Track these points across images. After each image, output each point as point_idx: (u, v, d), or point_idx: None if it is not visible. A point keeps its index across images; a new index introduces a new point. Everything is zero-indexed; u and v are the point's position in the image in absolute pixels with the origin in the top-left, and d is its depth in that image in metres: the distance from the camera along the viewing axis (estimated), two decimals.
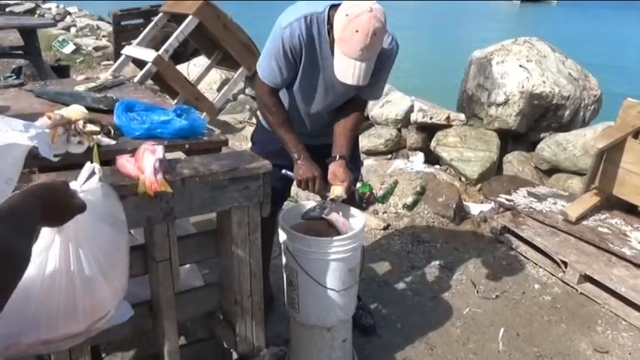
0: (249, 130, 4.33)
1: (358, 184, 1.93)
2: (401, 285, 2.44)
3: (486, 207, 3.27)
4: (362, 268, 1.79)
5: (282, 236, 1.67)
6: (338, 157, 1.65)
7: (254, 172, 1.31)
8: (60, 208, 0.75)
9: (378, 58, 1.54)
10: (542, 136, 3.82)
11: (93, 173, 0.99)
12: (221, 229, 1.40)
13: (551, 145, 3.60)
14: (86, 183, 0.98)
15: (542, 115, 3.81)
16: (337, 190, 1.62)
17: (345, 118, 1.72)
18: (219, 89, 5.45)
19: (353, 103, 1.73)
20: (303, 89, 1.68)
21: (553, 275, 2.55)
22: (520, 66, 3.74)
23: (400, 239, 2.88)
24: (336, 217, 1.67)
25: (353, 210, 1.81)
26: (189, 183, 1.22)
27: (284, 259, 1.71)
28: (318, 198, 1.70)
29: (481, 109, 3.90)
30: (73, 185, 0.92)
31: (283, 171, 1.67)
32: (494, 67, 3.81)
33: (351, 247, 1.63)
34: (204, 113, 4.29)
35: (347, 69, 1.46)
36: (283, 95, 1.73)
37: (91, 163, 1.03)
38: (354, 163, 1.92)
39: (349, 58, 1.44)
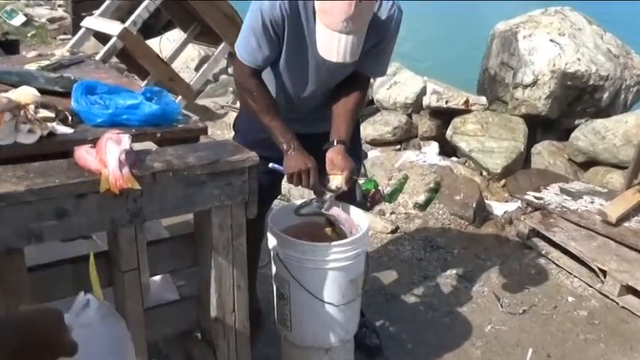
0: (232, 117, 4.28)
1: (361, 180, 1.94)
2: (411, 298, 2.45)
3: (512, 206, 3.28)
4: (366, 279, 1.79)
5: (271, 241, 1.67)
6: (336, 141, 1.65)
7: (238, 166, 1.30)
8: (42, 349, 0.64)
9: (377, 28, 1.53)
10: (576, 122, 3.83)
11: (87, 304, 0.89)
12: (199, 232, 1.39)
13: (588, 134, 3.61)
14: (82, 314, 0.88)
15: (577, 99, 3.82)
16: (336, 180, 1.61)
17: (344, 98, 1.71)
18: (197, 68, 5.45)
19: (353, 80, 1.72)
20: (290, 68, 1.67)
21: (590, 286, 2.56)
22: (551, 40, 3.74)
23: (411, 244, 2.89)
24: (337, 212, 1.67)
25: (355, 210, 1.80)
26: (162, 178, 1.21)
27: (274, 269, 1.71)
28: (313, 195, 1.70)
29: (505, 91, 3.90)
30: (68, 318, 0.74)
31: (271, 165, 1.67)
32: (521, 42, 3.81)
33: (353, 253, 1.63)
34: (180, 97, 4.29)
35: (330, 44, 1.45)
36: (268, 77, 1.72)
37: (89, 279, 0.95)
38: (354, 153, 1.91)
39: (332, 31, 1.42)
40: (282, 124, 1.65)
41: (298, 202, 1.75)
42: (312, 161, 1.62)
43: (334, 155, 1.62)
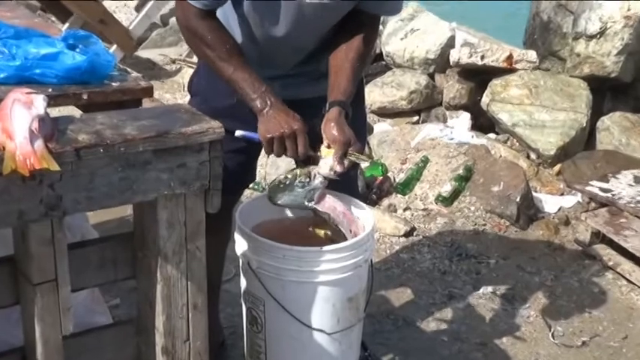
0: (186, 75, 4.27)
1: (364, 163, 1.93)
2: (431, 325, 2.46)
3: (569, 201, 3.31)
4: (369, 298, 1.80)
5: (240, 245, 1.67)
6: (329, 104, 1.65)
7: (195, 140, 1.30)
8: None
9: None
10: None
11: None
12: (141, 232, 1.39)
13: None
14: None
15: None
16: (329, 160, 1.61)
17: (344, 44, 1.71)
18: (138, 8, 5.39)
19: (355, 20, 1.72)
20: (260, 7, 1.66)
21: None
22: None
23: (431, 252, 2.90)
24: (331, 203, 1.67)
25: (356, 205, 1.81)
26: (89, 156, 1.20)
27: (243, 283, 1.72)
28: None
29: (563, 44, 3.92)
30: None
31: (239, 132, 1.67)
32: None
33: (352, 262, 1.64)
34: (115, 45, 4.25)
35: None
36: (225, 16, 1.71)
37: None
38: (356, 126, 1.91)
39: None
40: (252, 73, 1.65)
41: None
42: (299, 121, 1.61)
43: (327, 123, 1.62)
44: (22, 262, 1.27)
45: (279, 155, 1.63)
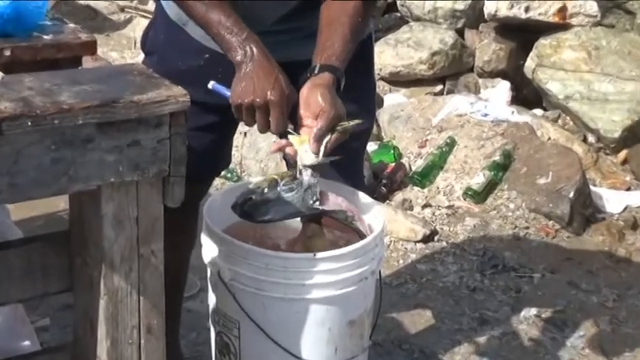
0: (139, 27, 4.30)
1: (372, 146, 1.91)
2: (457, 358, 2.48)
3: (638, 198, 3.32)
4: (376, 322, 1.80)
5: (208, 250, 1.68)
6: (318, 67, 1.66)
7: (152, 112, 1.29)
8: None
9: None
10: None
11: None
12: (79, 232, 1.39)
13: None
14: None
15: None
16: (306, 145, 1.62)
17: None
18: None
19: None
20: None
21: None
22: None
23: (457, 262, 2.92)
24: (335, 200, 1.70)
25: (360, 199, 1.82)
26: (13, 131, 1.20)
27: (212, 300, 1.72)
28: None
29: None
30: None
31: (211, 84, 1.68)
32: None
33: (355, 274, 1.64)
34: None
35: None
36: None
37: None
38: (360, 97, 1.92)
39: None
40: (232, 14, 1.65)
41: (257, 180, 1.74)
42: (280, 87, 1.62)
43: (310, 91, 1.64)
44: None
45: (248, 125, 1.65)
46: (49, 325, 2.29)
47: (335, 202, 1.69)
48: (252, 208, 1.65)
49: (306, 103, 1.63)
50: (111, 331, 1.39)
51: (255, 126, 1.63)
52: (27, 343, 1.67)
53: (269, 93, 1.60)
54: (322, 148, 1.61)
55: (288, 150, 1.65)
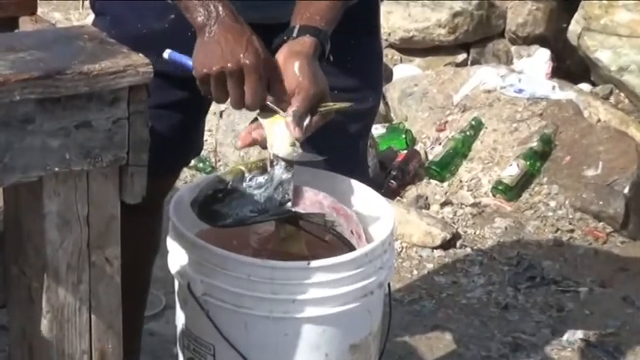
0: None
1: (379, 129, 1.89)
2: None
3: None
4: (384, 347, 1.82)
5: (176, 258, 1.69)
6: (297, 30, 1.68)
7: (107, 85, 1.30)
8: None
9: None
10: None
11: None
12: (16, 234, 1.40)
13: None
14: None
15: None
16: (281, 127, 1.63)
17: None
18: None
19: None
20: None
21: None
22: None
23: (485, 273, 2.94)
24: (315, 197, 1.70)
25: (364, 194, 1.83)
26: None
27: (180, 320, 1.73)
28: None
29: None
30: None
31: (167, 52, 1.68)
32: None
33: (358, 288, 1.65)
34: None
35: None
36: None
37: None
38: (360, 76, 1.94)
39: None
40: None
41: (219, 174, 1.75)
42: (254, 50, 1.62)
43: (286, 60, 1.65)
44: None
45: (218, 101, 1.66)
46: None
47: (314, 200, 1.70)
48: (212, 208, 1.66)
49: (284, 73, 1.64)
50: (56, 357, 1.39)
51: (228, 101, 1.64)
52: None
53: (242, 56, 1.61)
54: (298, 133, 1.62)
55: (254, 134, 1.67)
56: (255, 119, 1.68)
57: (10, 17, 1.58)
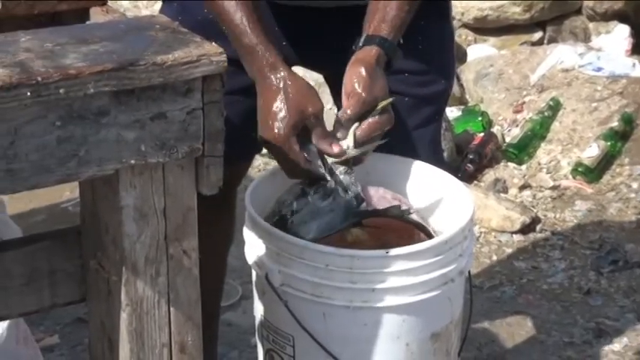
0: None
1: (454, 112, 1.86)
2: None
3: None
4: (466, 334, 1.82)
5: (252, 248, 1.69)
6: (363, 39, 1.70)
7: (181, 75, 1.30)
8: None
9: None
10: None
11: None
12: (93, 228, 1.41)
13: None
14: None
15: None
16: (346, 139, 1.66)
17: None
18: None
19: None
20: None
21: None
22: None
23: (566, 258, 2.92)
24: (376, 192, 1.74)
25: (437, 178, 1.83)
26: (8, 104, 1.21)
27: (259, 310, 1.74)
28: None
29: None
30: None
31: None
32: None
33: (438, 276, 1.65)
34: None
35: None
36: None
37: None
38: (432, 60, 1.94)
39: None
40: (258, 17, 1.70)
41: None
42: (315, 102, 1.66)
43: (350, 69, 1.67)
44: None
45: (282, 166, 1.71)
46: (58, 344, 2.34)
47: (378, 195, 1.73)
48: (290, 229, 1.67)
49: (344, 82, 1.67)
50: (135, 350, 1.41)
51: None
52: None
53: (310, 107, 1.66)
54: (351, 137, 1.65)
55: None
56: None
57: (81, 8, 1.59)
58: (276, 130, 1.65)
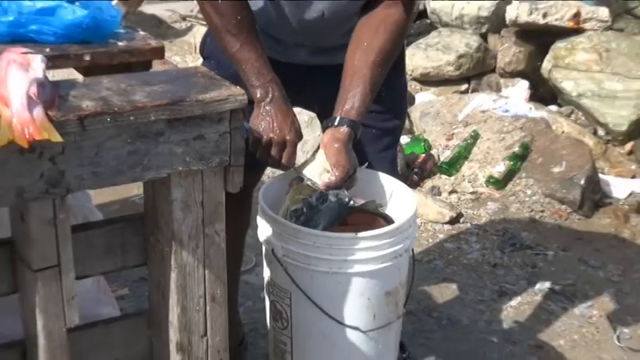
0: (199, 34, 4.25)
1: (405, 139, 1.91)
2: (479, 325, 2.48)
3: None
4: (409, 293, 1.81)
5: (262, 230, 1.69)
6: (338, 120, 1.66)
7: (214, 109, 1.30)
8: None
9: None
10: None
11: None
12: (152, 214, 1.40)
13: None
14: None
15: None
16: (323, 175, 1.66)
17: (368, 36, 1.69)
18: None
19: (384, 4, 1.69)
20: None
21: None
22: None
23: (480, 242, 2.91)
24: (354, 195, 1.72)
25: (393, 185, 1.82)
26: (94, 126, 1.21)
27: (267, 273, 1.74)
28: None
29: None
30: None
31: None
32: None
33: (391, 251, 1.64)
34: (115, 0, 4.27)
35: None
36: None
37: None
38: (392, 103, 1.92)
39: None
40: (260, 56, 1.66)
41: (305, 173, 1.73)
42: (295, 130, 1.65)
43: (329, 141, 1.65)
44: (20, 245, 1.29)
45: (262, 159, 1.67)
46: (127, 295, 2.35)
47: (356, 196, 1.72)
48: (305, 222, 1.66)
49: (326, 149, 1.65)
50: (181, 299, 1.41)
51: (270, 159, 1.66)
52: (108, 309, 1.70)
53: (287, 133, 1.63)
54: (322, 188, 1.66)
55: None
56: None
57: (146, 60, 1.60)
58: (286, 132, 1.64)
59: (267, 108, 1.64)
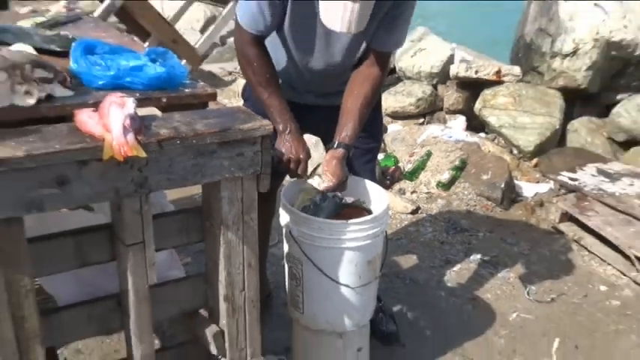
0: (240, 84, 4.30)
1: (381, 156, 1.92)
2: (432, 283, 2.46)
3: (543, 188, 3.26)
4: (383, 261, 1.81)
5: (283, 218, 1.69)
6: (337, 143, 1.67)
7: (250, 135, 1.30)
8: None
9: None
10: (619, 97, 3.77)
11: None
12: (208, 206, 1.40)
13: (631, 110, 3.56)
14: None
15: (621, 71, 3.75)
16: (324, 182, 1.65)
17: (358, 87, 1.69)
18: (202, 30, 5.41)
19: (369, 58, 1.70)
20: (296, 37, 1.67)
21: (624, 275, 2.56)
22: (595, 5, 3.66)
23: (432, 226, 2.90)
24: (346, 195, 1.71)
25: (373, 187, 1.82)
26: (168, 146, 1.21)
27: (286, 247, 1.73)
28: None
29: (542, 61, 3.84)
30: None
31: None
32: (561, 6, 3.73)
33: (371, 233, 1.64)
34: (184, 60, 4.27)
35: (334, 11, 1.45)
36: (274, 44, 1.71)
37: None
38: (374, 131, 1.92)
39: None
40: (282, 102, 1.66)
41: (311, 181, 1.71)
42: (306, 152, 1.66)
43: (330, 159, 1.66)
44: (117, 228, 1.30)
45: (283, 171, 1.68)
46: (190, 262, 2.34)
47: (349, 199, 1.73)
48: (312, 214, 1.66)
49: (327, 164, 1.65)
50: (227, 266, 1.41)
51: (289, 171, 1.67)
52: (178, 273, 1.70)
53: (300, 154, 1.64)
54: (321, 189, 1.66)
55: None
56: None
57: (204, 102, 1.59)
58: (300, 153, 1.65)
59: (286, 137, 1.65)
